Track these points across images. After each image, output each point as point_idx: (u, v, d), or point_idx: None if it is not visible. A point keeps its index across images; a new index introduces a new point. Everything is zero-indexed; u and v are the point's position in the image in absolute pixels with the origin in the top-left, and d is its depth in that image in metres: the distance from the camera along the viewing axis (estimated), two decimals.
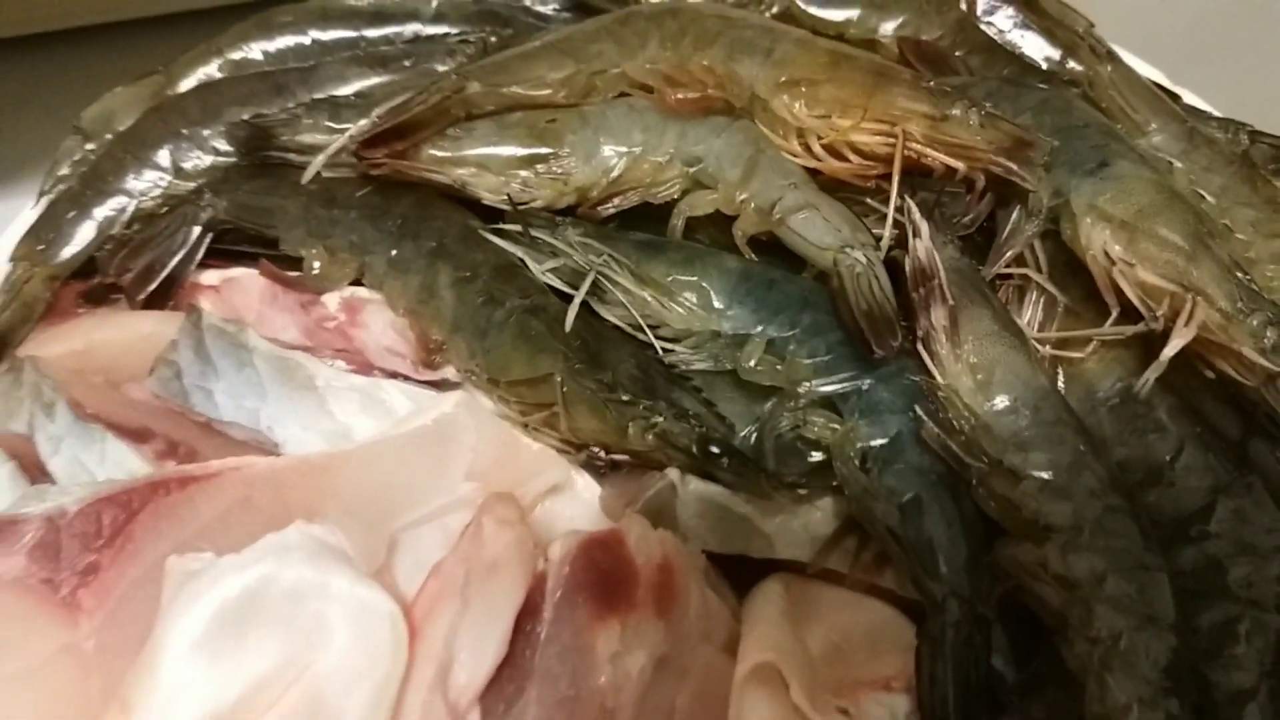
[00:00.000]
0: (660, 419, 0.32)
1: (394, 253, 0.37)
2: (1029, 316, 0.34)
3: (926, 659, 0.29)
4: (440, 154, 0.37)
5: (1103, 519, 0.29)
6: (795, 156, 0.36)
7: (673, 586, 0.28)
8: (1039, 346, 0.33)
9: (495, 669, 0.27)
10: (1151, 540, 0.29)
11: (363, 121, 0.38)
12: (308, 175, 0.38)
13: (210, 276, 0.39)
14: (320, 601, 0.27)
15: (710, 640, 0.28)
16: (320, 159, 0.37)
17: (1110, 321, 0.32)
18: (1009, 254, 0.34)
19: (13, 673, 0.27)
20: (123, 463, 0.32)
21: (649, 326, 0.34)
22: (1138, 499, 0.30)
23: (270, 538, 0.28)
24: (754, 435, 0.32)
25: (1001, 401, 0.31)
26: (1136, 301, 0.32)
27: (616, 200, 0.37)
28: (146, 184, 0.39)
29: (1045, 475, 0.30)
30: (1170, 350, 0.30)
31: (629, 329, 0.34)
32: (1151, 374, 0.31)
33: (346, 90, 0.41)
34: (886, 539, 0.30)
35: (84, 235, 0.39)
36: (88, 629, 0.28)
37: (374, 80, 0.41)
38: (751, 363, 0.33)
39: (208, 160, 0.40)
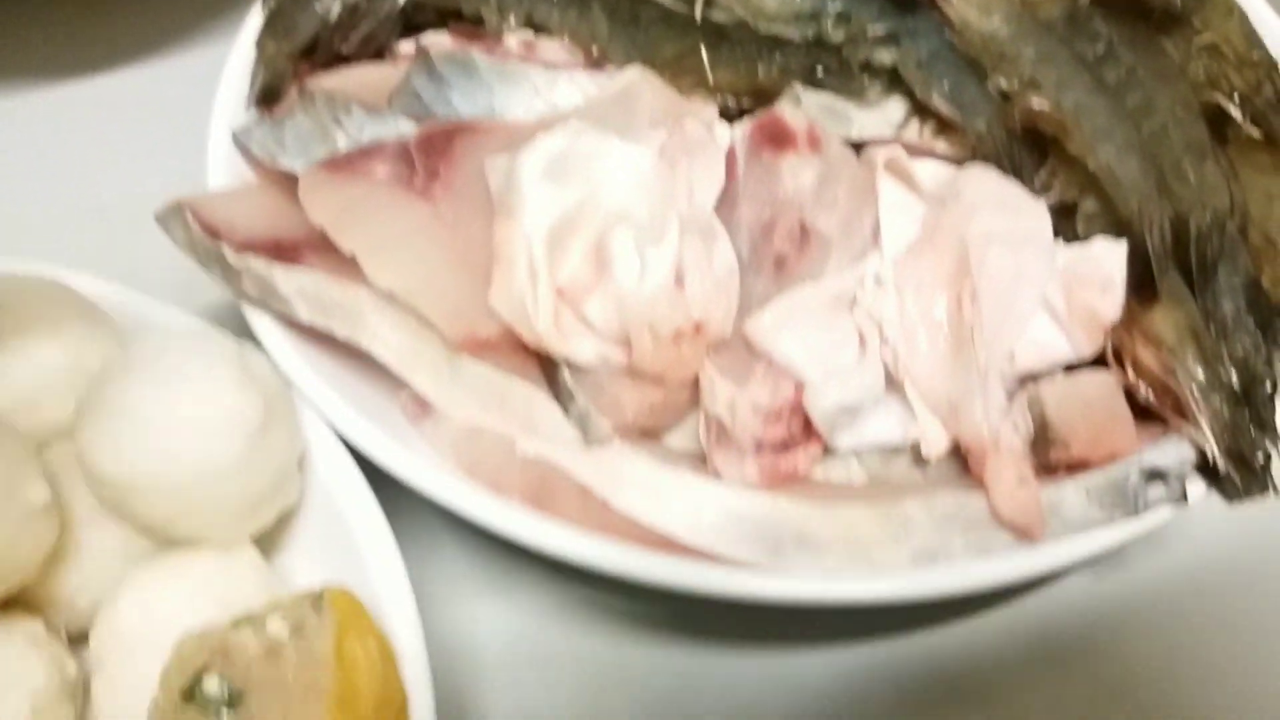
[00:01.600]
0: (780, 57, 0.47)
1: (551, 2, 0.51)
2: None
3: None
4: None
5: (1075, 73, 0.45)
6: None
7: (818, 135, 0.43)
8: None
9: (719, 195, 0.42)
10: (1105, 86, 0.46)
11: None
12: None
13: (407, 46, 0.53)
14: (608, 155, 0.41)
15: (849, 164, 0.44)
16: None
17: None
18: None
19: (410, 228, 0.41)
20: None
21: (751, 15, 0.49)
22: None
23: (560, 126, 0.42)
24: (839, 68, 0.47)
25: (998, 19, 0.47)
26: None
27: None
28: None
29: (1033, 54, 0.46)
30: None
31: (735, 24, 0.50)
32: None
33: None
34: (941, 107, 0.46)
35: (308, 22, 0.52)
36: (443, 206, 0.42)
37: None
38: (829, 25, 0.48)
39: None
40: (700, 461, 0.41)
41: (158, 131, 0.58)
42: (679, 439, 0.42)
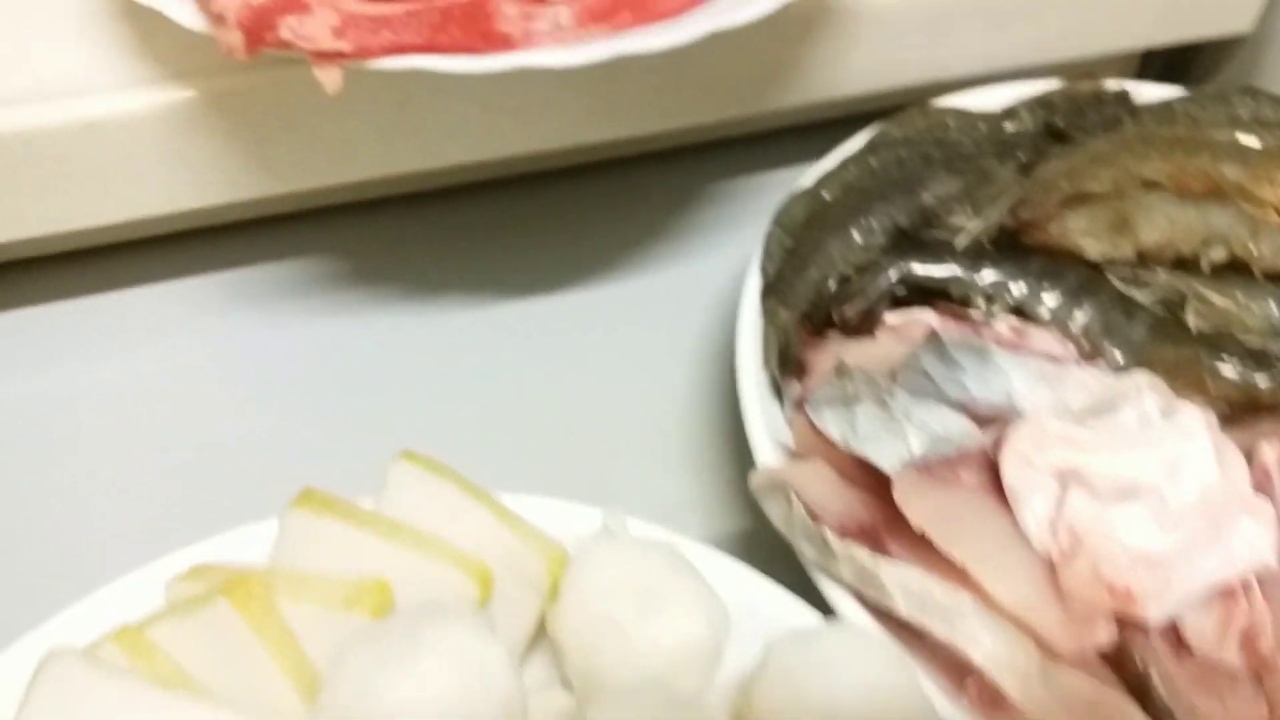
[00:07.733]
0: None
1: (1043, 294, 0.56)
2: None
3: None
4: (1054, 228, 0.57)
5: None
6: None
7: None
8: None
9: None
10: None
11: (991, 210, 0.58)
12: (962, 243, 0.57)
13: (893, 318, 0.57)
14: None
15: None
16: (972, 228, 0.57)
17: None
18: None
19: (1004, 538, 0.45)
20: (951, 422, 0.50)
21: (1230, 326, 0.54)
22: None
23: None
24: None
25: None
26: None
27: (1168, 254, 0.57)
28: (839, 256, 0.58)
29: None
30: None
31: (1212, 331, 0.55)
32: None
33: (943, 191, 0.60)
34: None
35: (805, 290, 0.57)
36: None
37: (957, 183, 0.61)
38: None
39: (876, 239, 0.58)
40: None
41: (624, 350, 0.64)
42: None
